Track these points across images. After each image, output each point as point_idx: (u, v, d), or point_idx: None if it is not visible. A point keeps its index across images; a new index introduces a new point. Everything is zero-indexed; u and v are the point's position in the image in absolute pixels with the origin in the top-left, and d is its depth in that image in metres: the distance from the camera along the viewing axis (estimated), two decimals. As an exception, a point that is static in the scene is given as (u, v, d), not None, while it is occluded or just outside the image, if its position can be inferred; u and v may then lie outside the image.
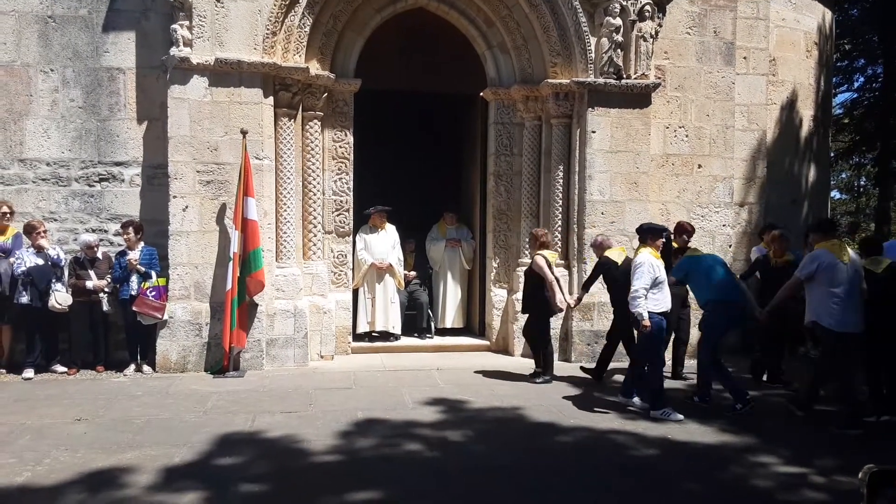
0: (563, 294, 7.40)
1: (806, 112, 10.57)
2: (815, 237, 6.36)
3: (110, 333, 7.60)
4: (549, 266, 7.22)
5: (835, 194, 27.43)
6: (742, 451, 5.27)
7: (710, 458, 5.16)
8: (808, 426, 5.99)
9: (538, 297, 7.23)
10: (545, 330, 7.42)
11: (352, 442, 5.28)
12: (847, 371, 5.97)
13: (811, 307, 6.05)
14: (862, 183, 28.48)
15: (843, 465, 4.93)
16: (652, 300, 6.08)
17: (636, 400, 6.42)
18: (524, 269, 8.52)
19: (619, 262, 7.01)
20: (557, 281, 7.35)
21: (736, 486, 4.64)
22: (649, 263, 6.10)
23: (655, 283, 6.10)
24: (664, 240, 6.54)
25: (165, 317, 7.36)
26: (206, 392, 6.65)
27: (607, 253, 7.18)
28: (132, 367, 7.41)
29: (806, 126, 10.62)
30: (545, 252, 7.31)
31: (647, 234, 6.36)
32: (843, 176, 29.07)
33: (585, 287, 7.50)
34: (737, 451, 5.30)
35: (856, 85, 19.56)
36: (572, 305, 7.69)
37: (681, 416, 6.03)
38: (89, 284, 7.31)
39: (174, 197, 7.41)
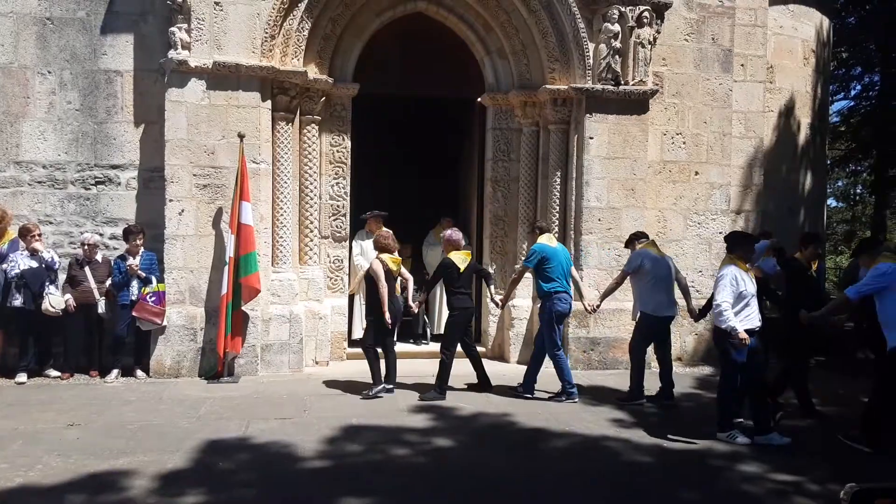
0: (398, 304, 6.91)
1: (803, 120, 10.60)
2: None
3: (105, 338, 7.56)
4: (389, 273, 6.75)
5: (831, 202, 27.47)
6: (734, 458, 5.26)
7: (702, 465, 5.15)
8: (800, 433, 5.98)
9: (372, 301, 6.86)
10: (379, 338, 6.87)
11: (345, 448, 5.26)
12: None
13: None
14: (858, 191, 28.55)
15: (837, 473, 4.92)
16: (736, 317, 5.57)
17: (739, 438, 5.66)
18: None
19: (462, 268, 6.85)
20: (404, 288, 7.04)
21: (728, 492, 4.63)
22: (732, 275, 5.61)
23: (741, 298, 5.60)
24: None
25: (164, 322, 7.33)
26: (200, 398, 6.62)
27: (452, 255, 6.91)
28: (114, 372, 7.34)
29: (803, 134, 10.64)
30: (384, 256, 6.84)
31: (737, 244, 5.85)
32: (840, 184, 29.13)
33: (426, 290, 7.47)
34: (727, 458, 5.28)
35: (853, 93, 19.63)
36: (415, 311, 7.49)
37: (747, 440, 5.60)
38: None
39: (170, 200, 7.39)
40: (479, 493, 4.53)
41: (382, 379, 6.85)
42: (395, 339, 7.30)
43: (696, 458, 5.32)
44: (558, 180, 8.48)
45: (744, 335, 5.50)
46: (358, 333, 8.84)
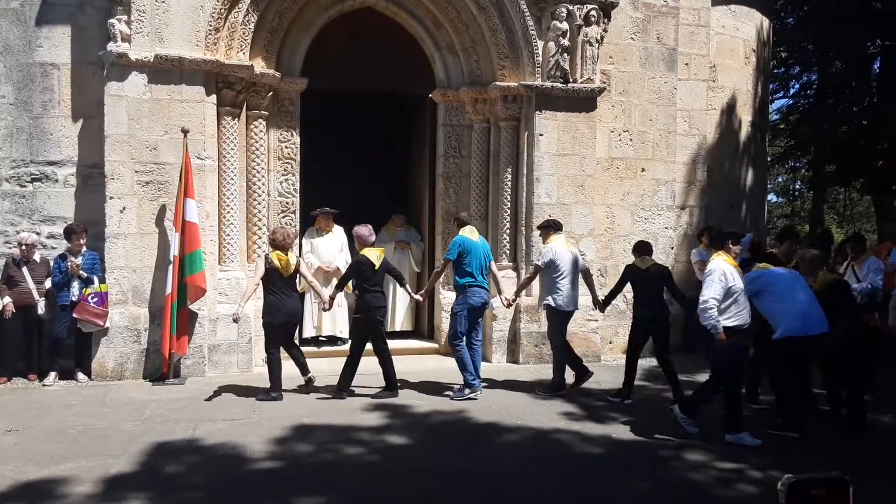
0: (289, 304, 6.57)
1: (744, 117, 10.89)
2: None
3: (45, 340, 7.28)
4: (276, 271, 6.41)
5: (771, 197, 28.39)
6: (682, 448, 5.38)
7: (650, 455, 5.26)
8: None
9: (264, 300, 6.58)
10: (271, 341, 6.61)
11: (296, 448, 5.20)
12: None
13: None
14: (797, 187, 29.56)
15: (780, 461, 5.08)
16: (724, 313, 5.50)
17: (688, 428, 5.67)
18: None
19: (377, 265, 6.64)
20: (274, 292, 6.49)
21: (675, 481, 4.74)
22: (721, 271, 5.50)
23: (730, 294, 5.51)
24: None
25: (106, 324, 7.11)
26: (144, 400, 6.45)
27: (366, 252, 6.68)
28: (52, 375, 7.08)
29: (744, 131, 10.94)
30: (273, 254, 6.50)
31: (727, 239, 5.92)
32: (780, 180, 30.11)
33: (339, 286, 7.04)
34: (674, 447, 5.41)
35: (791, 91, 20.28)
36: (329, 307, 7.00)
37: (757, 441, 5.49)
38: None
39: (111, 198, 7.16)
40: (434, 489, 4.53)
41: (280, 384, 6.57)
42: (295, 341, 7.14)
43: (645, 448, 5.43)
44: (509, 176, 8.53)
45: (722, 335, 5.44)
46: (309, 332, 8.75)
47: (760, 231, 11.84)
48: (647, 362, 8.65)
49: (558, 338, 7.03)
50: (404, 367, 7.83)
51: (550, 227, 7.20)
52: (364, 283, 6.66)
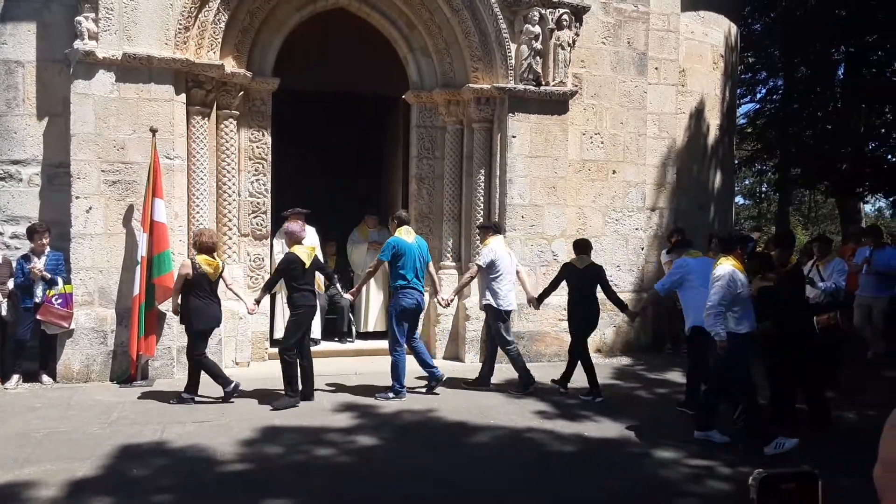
0: (215, 310, 6.35)
1: (713, 121, 11.07)
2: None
3: (8, 342, 7.11)
4: (205, 276, 6.16)
5: (739, 200, 28.86)
6: (650, 446, 5.45)
7: (621, 452, 5.31)
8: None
9: (189, 305, 6.24)
10: (194, 346, 6.33)
11: (266, 450, 5.15)
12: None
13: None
14: (764, 189, 30.12)
15: (749, 458, 5.17)
16: (733, 318, 5.42)
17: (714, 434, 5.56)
18: (446, 272, 8.57)
19: (307, 263, 6.40)
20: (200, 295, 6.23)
21: (647, 478, 4.80)
22: (730, 277, 5.37)
23: (739, 299, 5.43)
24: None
25: (72, 325, 6.97)
26: (111, 402, 6.33)
27: (296, 249, 6.44)
28: (15, 378, 6.90)
29: (712, 134, 11.12)
30: (200, 258, 6.22)
31: (736, 243, 5.93)
32: (747, 182, 30.66)
33: (267, 287, 6.73)
34: (644, 445, 5.47)
35: (758, 96, 20.67)
36: (251, 310, 6.68)
37: (793, 441, 5.32)
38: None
39: (77, 197, 7.03)
40: (406, 489, 4.52)
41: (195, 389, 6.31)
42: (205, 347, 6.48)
43: (616, 445, 5.49)
44: (482, 178, 8.56)
45: (723, 342, 5.34)
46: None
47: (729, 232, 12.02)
48: (617, 361, 8.76)
49: (502, 337, 7.07)
50: (377, 367, 7.83)
51: (490, 229, 7.29)
52: (293, 282, 6.39)
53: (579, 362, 7.04)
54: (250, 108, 8.07)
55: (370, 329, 9.26)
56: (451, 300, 7.47)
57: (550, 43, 8.34)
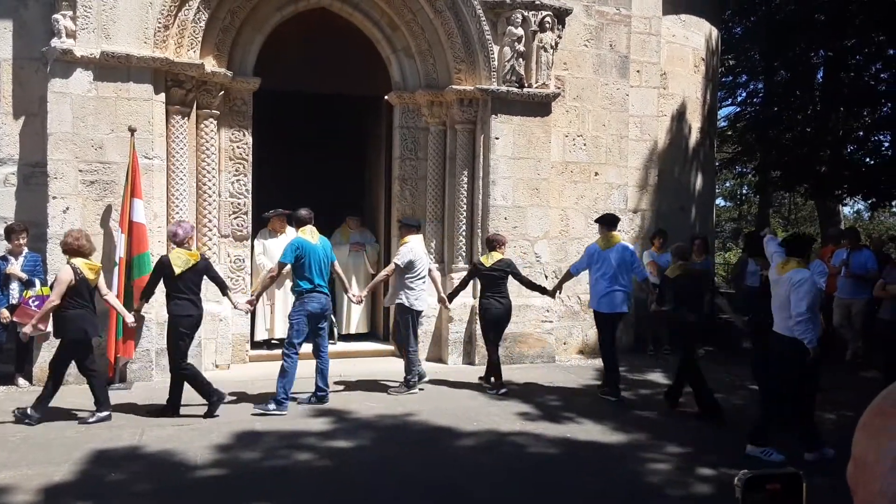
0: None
1: (694, 124, 11.16)
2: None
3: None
4: (84, 282, 5.66)
5: (719, 201, 29.12)
6: (635, 448, 5.46)
7: (605, 455, 5.31)
8: (696, 422, 6.28)
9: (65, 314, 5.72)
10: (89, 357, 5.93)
11: (246, 454, 5.09)
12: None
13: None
14: (744, 191, 30.41)
15: (731, 459, 5.19)
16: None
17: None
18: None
19: (179, 270, 5.83)
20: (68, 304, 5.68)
21: (630, 480, 4.81)
22: (812, 281, 5.17)
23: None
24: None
25: (49, 328, 6.84)
26: (88, 406, 6.22)
27: (172, 254, 5.91)
28: None
29: (694, 137, 11.20)
30: (78, 261, 5.68)
31: (810, 244, 5.70)
32: (727, 184, 30.93)
33: (144, 296, 6.28)
34: (631, 447, 5.48)
35: (738, 99, 20.86)
36: (133, 322, 6.32)
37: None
38: None
39: (54, 198, 6.92)
40: (388, 494, 4.49)
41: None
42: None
43: (600, 448, 5.49)
44: (465, 179, 8.55)
45: (815, 351, 5.11)
46: (261, 334, 8.61)
47: (710, 233, 12.13)
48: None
49: (409, 339, 6.96)
50: (358, 369, 7.81)
51: (411, 226, 7.16)
52: (168, 288, 5.92)
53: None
54: (231, 108, 7.99)
55: (353, 331, 9.21)
56: (364, 297, 7.29)
57: (533, 45, 8.35)
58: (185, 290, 5.90)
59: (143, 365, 7.14)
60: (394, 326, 7.59)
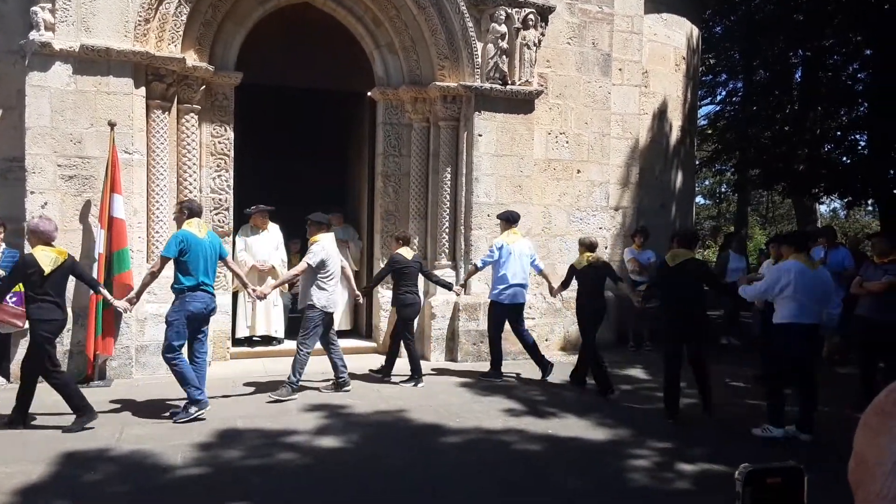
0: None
1: (675, 122, 11.24)
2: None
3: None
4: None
5: (699, 199, 29.43)
6: (617, 443, 5.50)
7: (588, 451, 5.35)
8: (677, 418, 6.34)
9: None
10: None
11: (228, 453, 5.05)
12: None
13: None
14: (723, 189, 30.74)
15: (711, 454, 5.25)
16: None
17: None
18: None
19: (48, 270, 5.30)
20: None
21: (613, 477, 4.84)
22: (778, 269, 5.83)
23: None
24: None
25: (25, 325, 6.74)
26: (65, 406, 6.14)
27: (38, 250, 5.37)
28: None
29: (674, 135, 11.29)
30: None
31: (805, 239, 6.29)
32: (707, 182, 31.25)
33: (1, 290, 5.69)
34: (613, 443, 5.52)
35: (718, 98, 21.08)
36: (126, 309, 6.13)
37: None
38: None
39: (31, 192, 6.81)
40: (374, 492, 4.48)
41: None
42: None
43: (584, 444, 5.52)
44: (448, 176, 8.55)
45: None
46: (242, 331, 8.55)
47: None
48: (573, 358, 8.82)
49: (314, 339, 6.67)
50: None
51: (321, 224, 6.78)
52: (31, 290, 5.35)
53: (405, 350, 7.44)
54: (212, 103, 7.92)
55: (336, 328, 9.15)
56: (268, 293, 6.79)
57: (516, 42, 8.37)
58: (51, 292, 5.36)
59: (123, 362, 7.06)
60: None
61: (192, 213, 6.03)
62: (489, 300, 7.64)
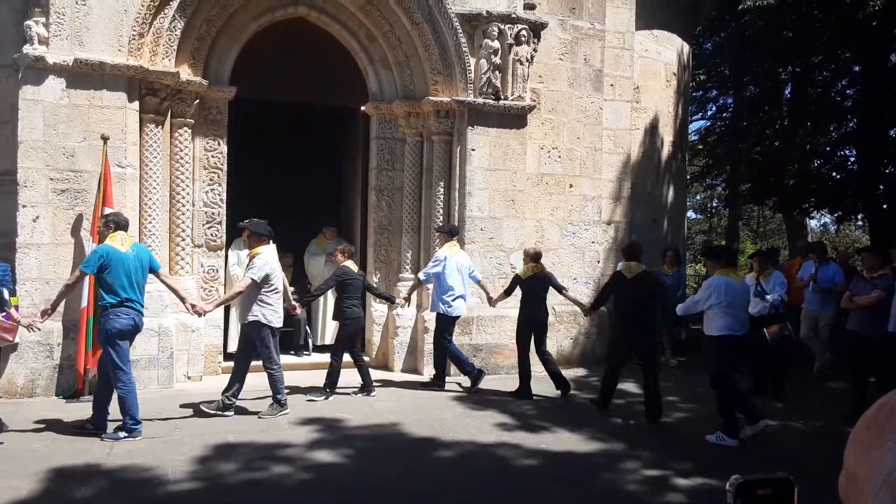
0: None
1: (666, 137, 11.33)
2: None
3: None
4: None
5: (690, 214, 29.55)
6: (610, 457, 5.49)
7: (582, 465, 5.34)
8: (668, 430, 6.34)
9: None
10: None
11: (221, 467, 5.02)
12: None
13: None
14: (714, 204, 30.91)
15: (704, 468, 5.25)
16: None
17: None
18: (405, 283, 8.54)
19: None
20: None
21: (607, 491, 4.83)
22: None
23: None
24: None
25: (16, 339, 6.70)
26: (57, 418, 6.10)
27: None
28: None
29: (666, 150, 11.37)
30: None
31: (733, 254, 6.76)
32: (698, 197, 31.40)
33: None
34: (606, 457, 5.52)
35: (709, 113, 21.26)
36: None
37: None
38: None
39: (23, 206, 6.79)
40: (362, 505, 4.47)
41: None
42: None
43: (577, 458, 5.51)
44: (442, 190, 8.57)
45: None
46: (234, 346, 8.50)
47: (682, 245, 12.32)
48: (573, 372, 8.83)
49: (272, 357, 6.42)
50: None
51: (262, 236, 6.41)
52: None
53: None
54: (206, 117, 7.93)
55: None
56: (209, 311, 6.54)
57: (509, 58, 8.43)
58: None
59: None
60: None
61: (119, 226, 5.79)
62: (436, 313, 7.71)
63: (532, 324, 7.46)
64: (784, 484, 0.88)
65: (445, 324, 7.67)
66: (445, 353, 7.72)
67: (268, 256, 6.39)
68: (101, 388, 5.88)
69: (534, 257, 7.49)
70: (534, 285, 7.42)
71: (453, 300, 7.58)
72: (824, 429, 6.57)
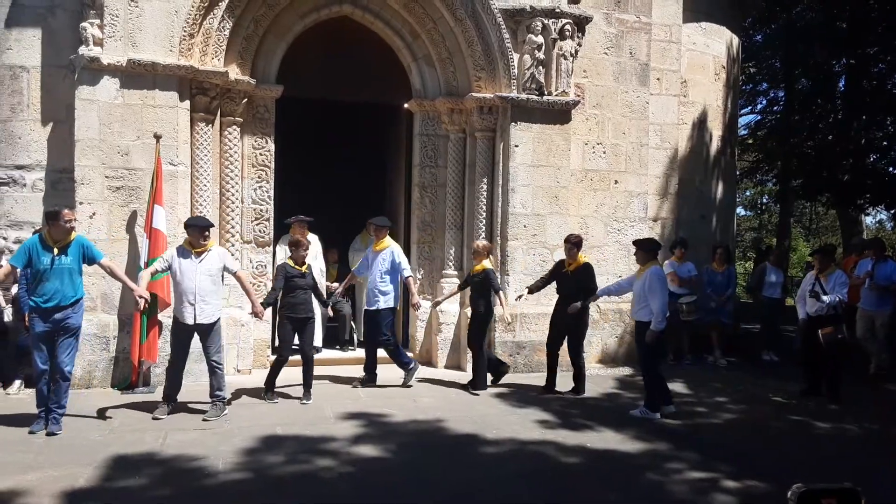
0: None
1: (714, 132, 11.09)
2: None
3: (10, 348, 7.08)
4: None
5: (740, 210, 28.92)
6: (655, 457, 5.42)
7: (625, 464, 5.28)
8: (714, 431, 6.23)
9: None
10: None
11: (269, 459, 5.12)
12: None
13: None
14: (764, 200, 30.16)
15: (753, 469, 5.15)
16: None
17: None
18: (449, 280, 8.57)
19: None
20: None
21: (652, 491, 4.77)
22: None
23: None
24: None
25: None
26: (113, 409, 6.30)
27: None
28: (17, 383, 6.90)
29: (714, 145, 11.13)
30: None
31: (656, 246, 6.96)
32: (748, 193, 30.69)
33: None
34: (650, 456, 5.44)
35: (759, 107, 20.73)
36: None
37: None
38: None
39: (81, 203, 7.02)
40: (412, 500, 4.50)
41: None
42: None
43: (620, 457, 5.45)
44: (485, 186, 8.56)
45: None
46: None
47: (731, 242, 12.05)
48: (619, 371, 8.72)
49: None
50: (379, 375, 7.79)
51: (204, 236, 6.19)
52: None
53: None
54: (254, 116, 8.08)
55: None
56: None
57: (553, 53, 8.36)
58: None
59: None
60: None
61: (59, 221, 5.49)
62: (390, 307, 7.67)
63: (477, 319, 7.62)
64: (850, 494, 0.85)
65: (392, 318, 7.83)
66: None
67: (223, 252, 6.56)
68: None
69: (488, 254, 7.70)
70: (479, 283, 7.53)
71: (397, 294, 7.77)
72: (880, 432, 6.37)
